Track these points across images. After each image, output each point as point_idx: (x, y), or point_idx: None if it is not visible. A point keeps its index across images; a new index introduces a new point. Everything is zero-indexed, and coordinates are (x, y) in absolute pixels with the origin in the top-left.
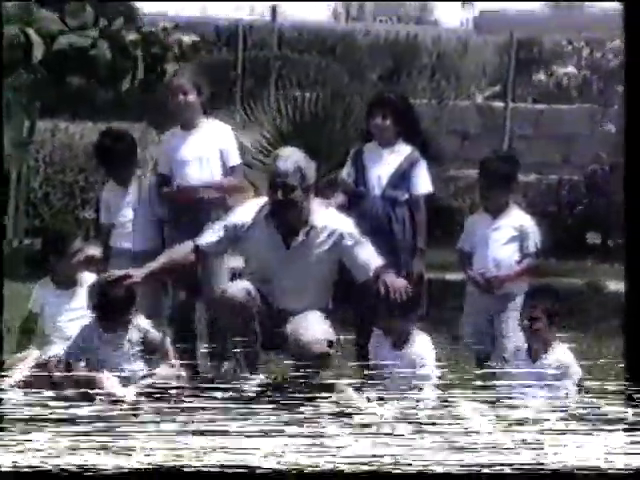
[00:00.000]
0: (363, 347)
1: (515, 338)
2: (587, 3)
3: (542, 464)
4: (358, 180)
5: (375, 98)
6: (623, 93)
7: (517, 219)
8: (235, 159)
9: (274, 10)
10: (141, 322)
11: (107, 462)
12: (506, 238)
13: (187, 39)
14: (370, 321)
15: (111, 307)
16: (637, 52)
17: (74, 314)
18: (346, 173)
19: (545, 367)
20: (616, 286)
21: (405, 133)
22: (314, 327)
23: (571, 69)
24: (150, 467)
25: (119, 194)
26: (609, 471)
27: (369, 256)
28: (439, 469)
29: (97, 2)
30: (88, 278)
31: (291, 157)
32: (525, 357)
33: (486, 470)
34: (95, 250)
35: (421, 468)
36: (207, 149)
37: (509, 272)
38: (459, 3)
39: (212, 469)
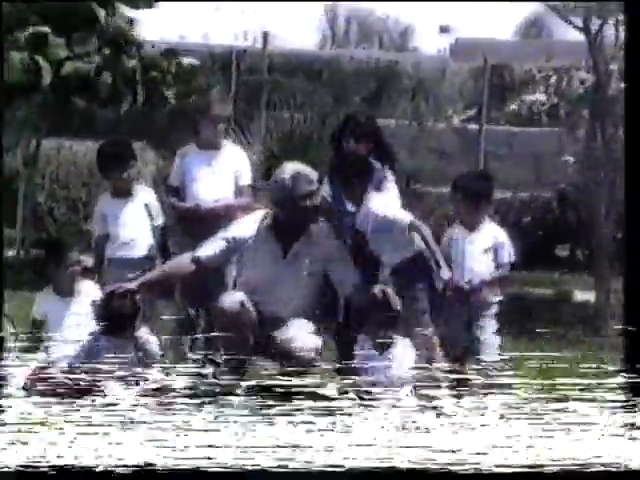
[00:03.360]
0: (345, 351)
1: (491, 341)
2: (555, 34)
3: None
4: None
5: (345, 121)
6: (624, 94)
7: (491, 232)
8: (247, 180)
9: (265, 37)
10: (143, 333)
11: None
12: (481, 250)
13: (185, 62)
14: (353, 328)
15: (116, 321)
16: (637, 52)
17: (75, 319)
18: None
19: None
20: (583, 296)
21: (375, 152)
22: (303, 337)
23: (539, 96)
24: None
25: (115, 206)
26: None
27: (351, 273)
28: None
29: (101, 31)
30: (86, 286)
31: (299, 170)
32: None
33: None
34: (91, 260)
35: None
36: (223, 169)
37: (484, 283)
38: (437, 31)
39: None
